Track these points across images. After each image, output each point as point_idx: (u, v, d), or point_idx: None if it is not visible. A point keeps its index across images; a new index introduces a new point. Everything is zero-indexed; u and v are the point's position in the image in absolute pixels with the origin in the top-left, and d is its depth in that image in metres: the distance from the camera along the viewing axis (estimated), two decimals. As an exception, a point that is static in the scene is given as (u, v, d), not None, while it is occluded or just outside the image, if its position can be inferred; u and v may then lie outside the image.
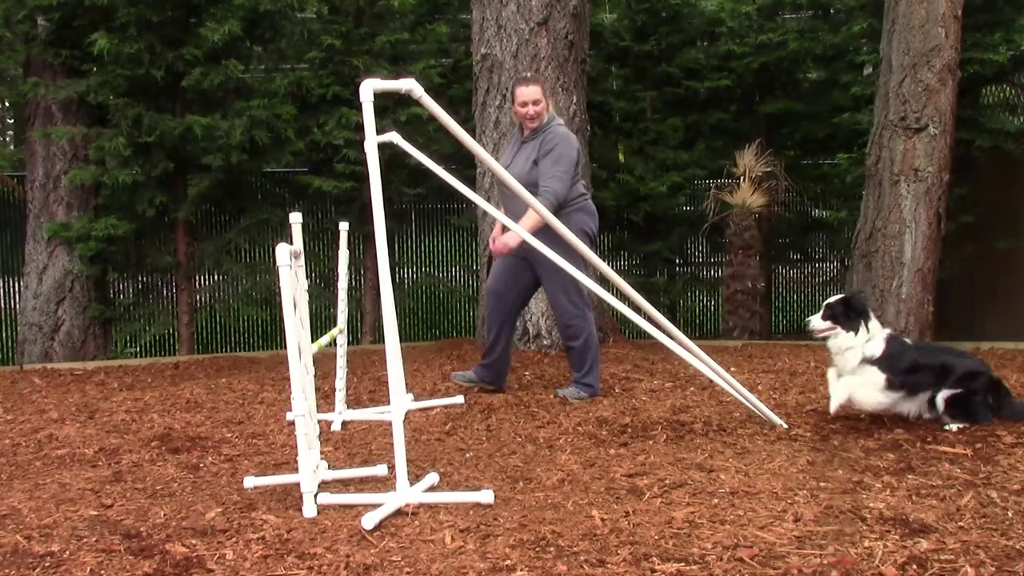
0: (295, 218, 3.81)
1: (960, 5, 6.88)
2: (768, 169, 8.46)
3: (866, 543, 2.79)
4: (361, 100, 3.59)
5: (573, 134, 5.33)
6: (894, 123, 6.94)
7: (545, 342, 6.85)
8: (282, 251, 3.33)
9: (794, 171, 9.38)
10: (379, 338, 8.58)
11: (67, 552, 2.97)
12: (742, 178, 8.38)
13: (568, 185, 5.06)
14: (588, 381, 5.26)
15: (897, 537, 2.83)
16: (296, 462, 3.47)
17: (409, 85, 3.83)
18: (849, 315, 4.38)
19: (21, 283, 8.67)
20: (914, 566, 2.60)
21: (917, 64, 6.85)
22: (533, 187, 4.99)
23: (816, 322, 4.47)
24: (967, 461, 3.73)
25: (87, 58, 8.00)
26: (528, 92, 5.13)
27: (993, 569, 2.58)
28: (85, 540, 3.08)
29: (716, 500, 3.28)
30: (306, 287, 3.78)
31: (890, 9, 7.07)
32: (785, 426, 4.38)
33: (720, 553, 2.75)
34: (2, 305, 9.79)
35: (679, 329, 4.53)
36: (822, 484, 3.44)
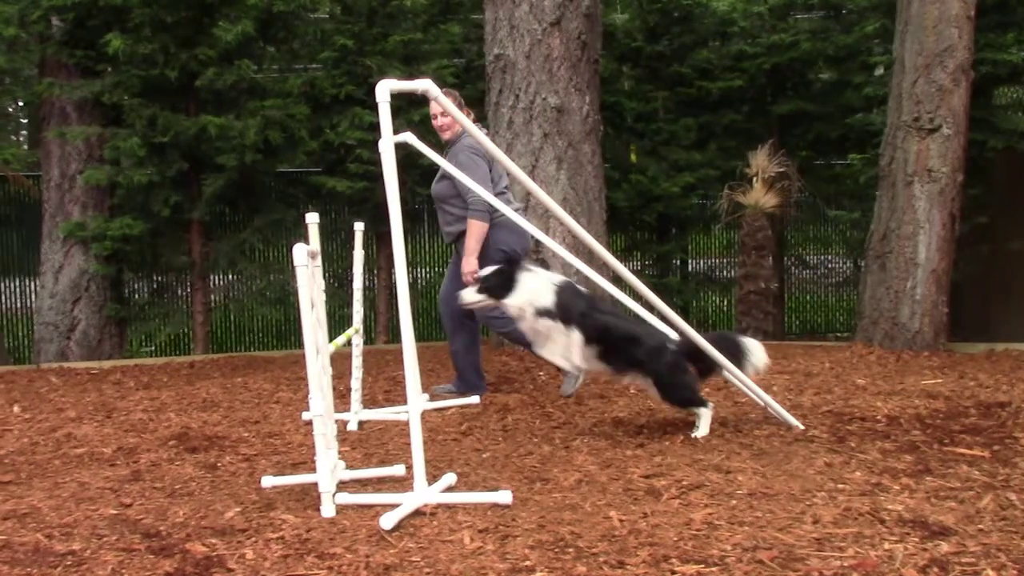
0: (312, 218, 3.80)
1: (973, 5, 6.86)
2: (781, 170, 8.45)
3: (886, 545, 2.78)
4: (377, 100, 3.59)
5: (478, 144, 5.06)
6: (907, 124, 6.93)
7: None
8: (299, 251, 3.33)
9: (807, 172, 9.38)
10: (393, 338, 8.60)
11: (88, 551, 2.98)
12: (755, 179, 8.37)
13: (486, 187, 4.99)
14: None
15: (917, 539, 2.83)
16: (313, 462, 3.48)
17: (425, 86, 3.84)
18: (502, 285, 4.36)
19: (37, 282, 8.72)
20: (935, 569, 2.60)
21: (930, 64, 6.83)
22: (440, 201, 5.31)
23: (468, 295, 4.46)
24: (985, 463, 3.72)
25: (102, 58, 8.06)
26: (435, 105, 5.25)
27: (1015, 572, 2.58)
28: (106, 539, 3.09)
29: (734, 501, 3.28)
30: (323, 287, 3.79)
31: (903, 9, 7.06)
32: (801, 427, 4.37)
33: (740, 555, 2.75)
34: (19, 304, 9.84)
35: (692, 330, 4.52)
36: (840, 486, 3.43)
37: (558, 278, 4.50)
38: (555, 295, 4.33)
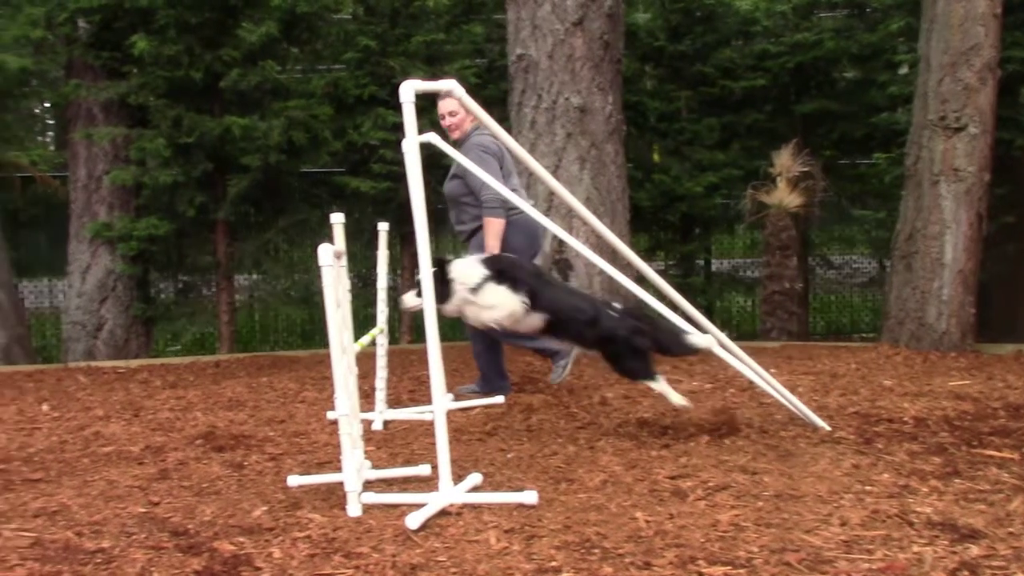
0: (337, 218, 3.81)
1: (999, 3, 6.80)
2: (805, 169, 8.41)
3: (915, 548, 2.76)
4: (402, 101, 3.59)
5: (491, 141, 5.14)
6: (933, 123, 6.87)
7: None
8: (325, 251, 3.34)
9: (831, 171, 9.32)
10: (418, 338, 8.62)
11: (117, 549, 3.00)
12: (778, 178, 8.32)
13: (499, 183, 4.95)
14: (556, 358, 5.45)
15: (946, 542, 2.80)
16: (339, 461, 3.50)
17: (450, 85, 3.85)
18: (438, 287, 4.22)
19: (65, 282, 8.81)
20: (965, 572, 2.57)
21: (956, 63, 6.78)
22: (453, 200, 5.32)
23: (409, 299, 4.43)
24: (1015, 465, 3.69)
25: (127, 60, 8.15)
26: (444, 105, 5.29)
27: (1046, 576, 2.56)
28: (135, 537, 3.12)
29: (761, 503, 3.26)
30: (348, 287, 3.80)
31: (928, 7, 7.01)
32: (828, 428, 4.34)
33: (767, 557, 2.74)
34: (47, 304, 9.95)
35: (719, 330, 4.50)
36: (867, 488, 3.41)
37: (485, 255, 4.57)
38: (484, 264, 4.32)
